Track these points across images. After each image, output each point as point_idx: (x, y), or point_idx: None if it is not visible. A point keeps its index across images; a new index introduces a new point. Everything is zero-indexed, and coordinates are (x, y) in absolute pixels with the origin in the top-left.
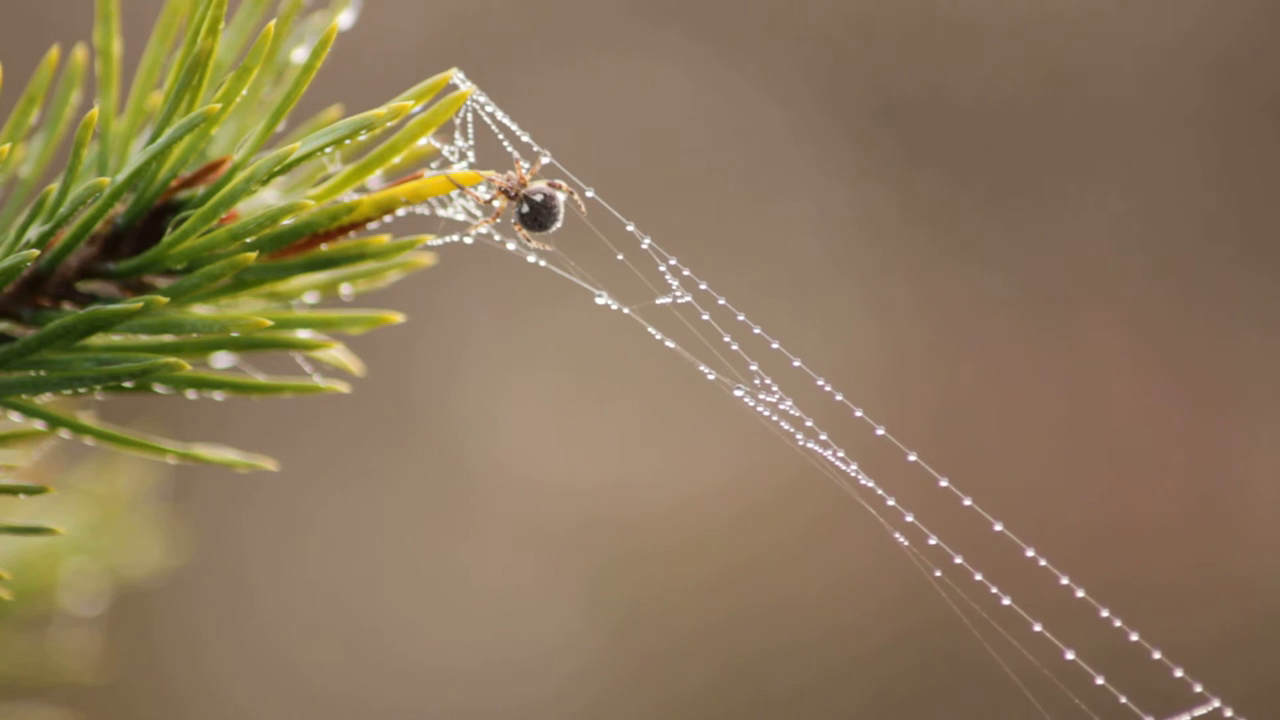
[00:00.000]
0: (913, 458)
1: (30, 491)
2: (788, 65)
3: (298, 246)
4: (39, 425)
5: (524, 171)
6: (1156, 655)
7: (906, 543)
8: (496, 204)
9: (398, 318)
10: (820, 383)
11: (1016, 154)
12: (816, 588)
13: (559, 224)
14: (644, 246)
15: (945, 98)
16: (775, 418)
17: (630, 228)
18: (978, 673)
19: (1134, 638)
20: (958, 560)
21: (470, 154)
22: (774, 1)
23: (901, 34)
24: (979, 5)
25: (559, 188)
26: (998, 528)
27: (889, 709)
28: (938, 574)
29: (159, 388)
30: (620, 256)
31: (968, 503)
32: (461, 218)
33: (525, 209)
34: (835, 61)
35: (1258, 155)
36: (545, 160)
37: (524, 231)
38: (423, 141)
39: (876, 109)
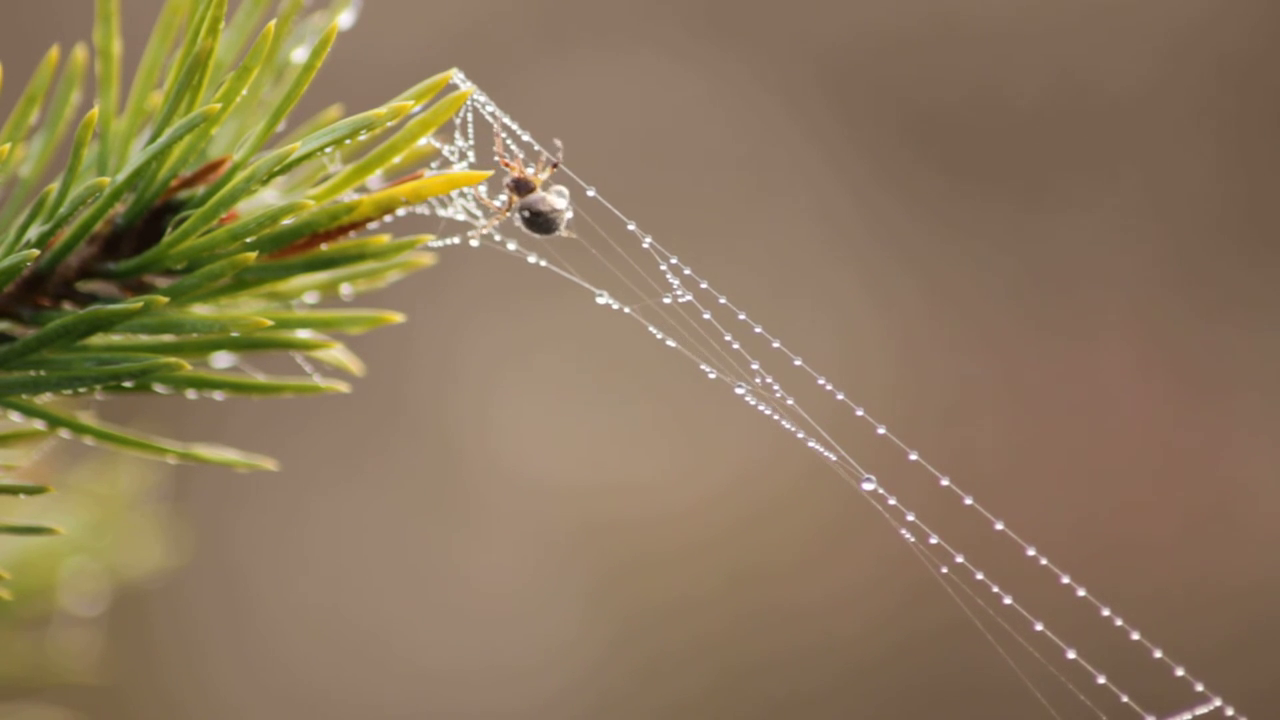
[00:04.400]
0: (914, 456)
1: (30, 491)
2: (791, 62)
3: (298, 246)
4: (39, 425)
5: (530, 172)
6: (1158, 654)
7: (912, 539)
8: (501, 200)
9: (398, 318)
10: (821, 381)
11: (1023, 151)
12: (821, 591)
13: (562, 227)
14: (645, 245)
15: (951, 95)
16: (778, 416)
17: (631, 226)
18: (981, 672)
19: (1135, 636)
20: (959, 559)
21: (470, 154)
22: (782, 1)
23: (907, 33)
24: (985, 5)
25: (557, 165)
26: (999, 526)
27: (896, 712)
28: (944, 570)
29: (159, 388)
30: (622, 254)
31: (969, 501)
32: (462, 218)
33: (526, 215)
34: (839, 58)
35: (1267, 151)
36: (558, 150)
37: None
38: (423, 141)
39: (881, 106)
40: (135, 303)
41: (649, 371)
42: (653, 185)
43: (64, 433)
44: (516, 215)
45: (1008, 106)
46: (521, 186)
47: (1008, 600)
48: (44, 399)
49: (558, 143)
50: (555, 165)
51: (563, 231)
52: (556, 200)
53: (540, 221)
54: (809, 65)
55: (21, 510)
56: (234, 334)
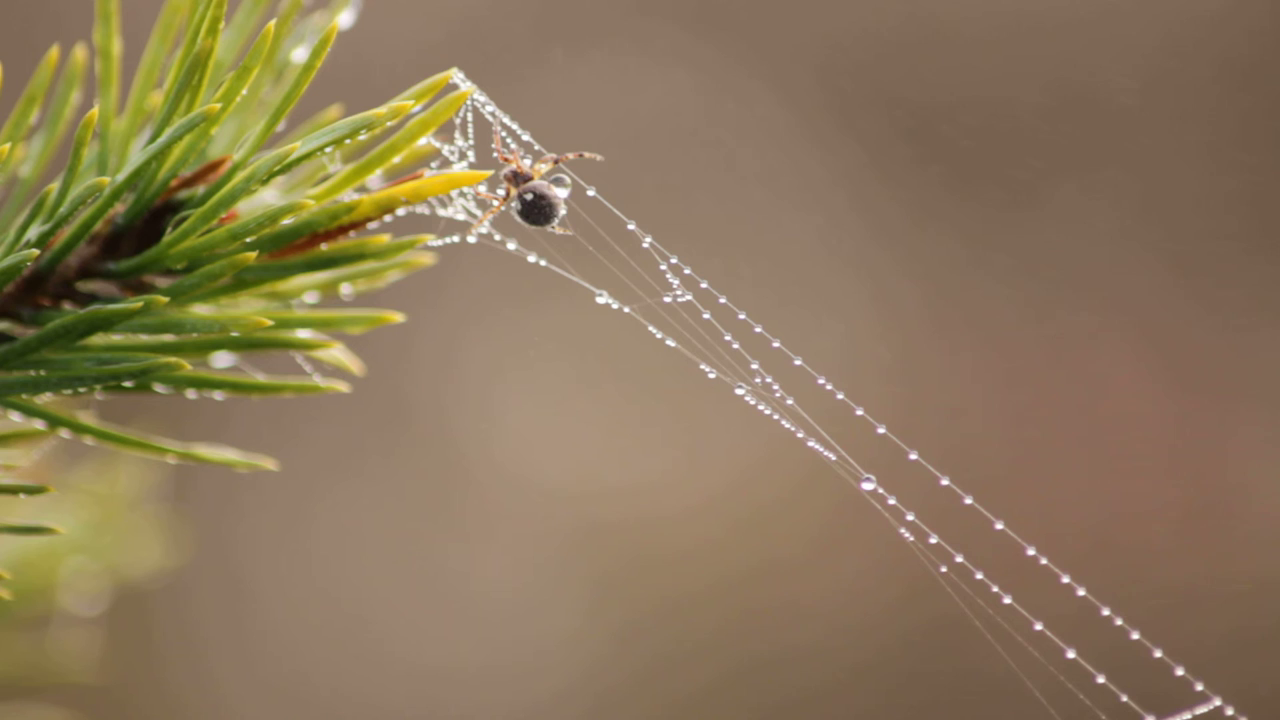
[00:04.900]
0: (914, 456)
1: (30, 491)
2: (791, 62)
3: (298, 246)
4: (39, 425)
5: (527, 165)
6: (1158, 654)
7: (911, 538)
8: (499, 192)
9: (398, 317)
10: (821, 381)
11: (1024, 152)
12: (821, 591)
13: (558, 219)
14: (645, 245)
15: (951, 96)
16: (778, 416)
17: (631, 226)
18: (981, 671)
19: (1135, 636)
20: (959, 559)
21: (470, 154)
22: (780, 2)
23: (908, 34)
24: (989, 8)
25: (562, 160)
26: (999, 526)
27: (896, 712)
28: (943, 569)
29: (159, 387)
30: (622, 254)
31: (968, 501)
32: (462, 217)
33: (517, 206)
34: (839, 59)
35: (1268, 151)
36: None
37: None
38: (423, 141)
39: (881, 106)
40: (135, 303)
41: (649, 371)
42: (652, 185)
43: (64, 433)
44: (515, 203)
45: (1008, 107)
46: (519, 179)
47: (1007, 600)
48: (44, 399)
49: (599, 157)
50: (556, 161)
51: (556, 227)
52: (558, 190)
53: (542, 205)
54: (809, 65)
55: (21, 510)
56: (234, 334)
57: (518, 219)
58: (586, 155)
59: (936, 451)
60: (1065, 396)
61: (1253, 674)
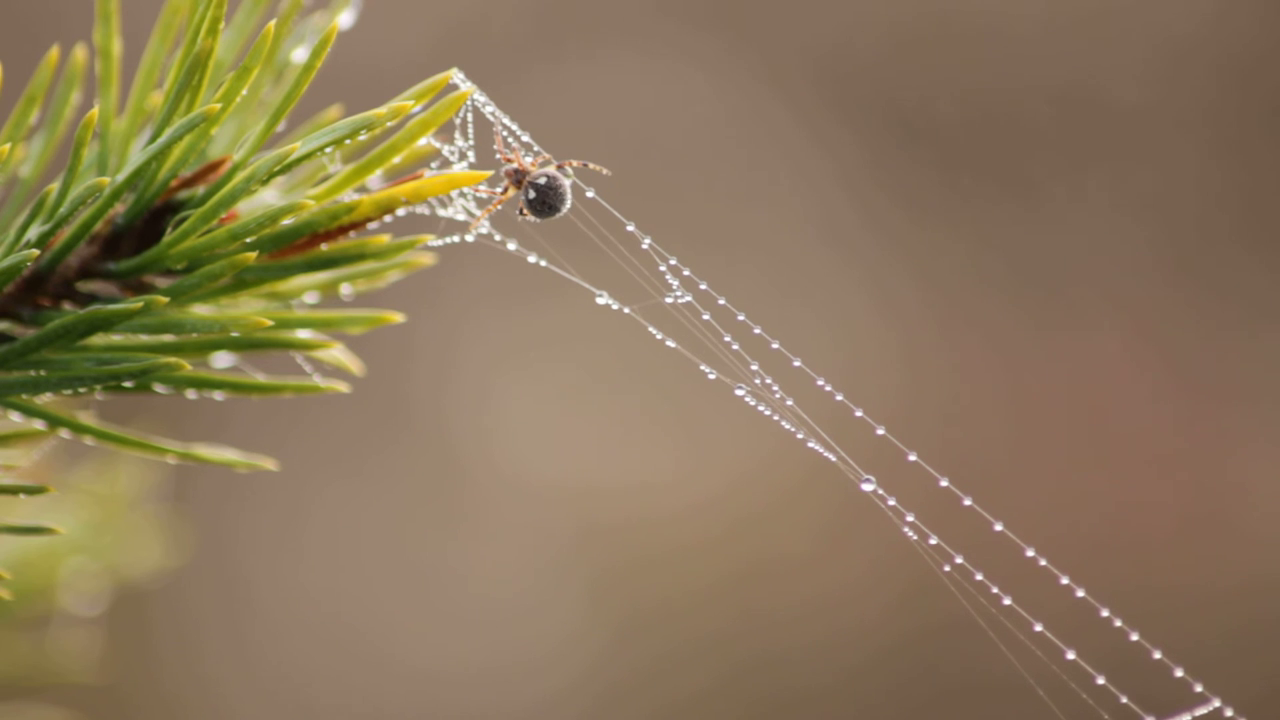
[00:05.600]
0: (913, 458)
1: (30, 491)
2: (790, 62)
3: (298, 246)
4: (39, 425)
5: (527, 160)
6: (1157, 655)
7: (915, 537)
8: (500, 190)
9: (398, 318)
10: (821, 382)
11: (1023, 152)
12: (821, 591)
13: (567, 207)
14: (644, 246)
15: (951, 95)
16: (777, 416)
17: (631, 227)
18: (981, 670)
19: (1135, 637)
20: (959, 560)
21: (470, 154)
22: (781, 1)
23: (907, 34)
24: (990, 8)
25: (566, 165)
26: (998, 527)
27: (895, 711)
28: (946, 569)
29: (159, 388)
30: (622, 255)
31: (968, 503)
32: (462, 217)
33: (531, 194)
34: (839, 59)
35: (1266, 153)
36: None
37: (531, 216)
38: (423, 141)
39: (880, 106)
40: (135, 303)
41: (649, 372)
42: (652, 186)
43: (64, 433)
44: (528, 190)
45: (1008, 107)
46: (521, 177)
47: (1007, 601)
48: (44, 399)
49: (606, 170)
50: (560, 166)
51: (567, 207)
52: (540, 177)
53: (557, 187)
54: (808, 65)
55: (21, 510)
56: (234, 334)
57: (527, 210)
58: (592, 166)
59: (936, 452)
60: (1065, 397)
61: (1253, 674)
